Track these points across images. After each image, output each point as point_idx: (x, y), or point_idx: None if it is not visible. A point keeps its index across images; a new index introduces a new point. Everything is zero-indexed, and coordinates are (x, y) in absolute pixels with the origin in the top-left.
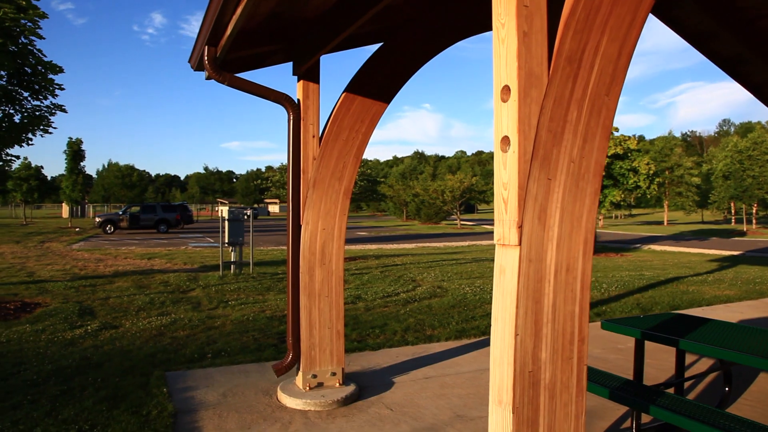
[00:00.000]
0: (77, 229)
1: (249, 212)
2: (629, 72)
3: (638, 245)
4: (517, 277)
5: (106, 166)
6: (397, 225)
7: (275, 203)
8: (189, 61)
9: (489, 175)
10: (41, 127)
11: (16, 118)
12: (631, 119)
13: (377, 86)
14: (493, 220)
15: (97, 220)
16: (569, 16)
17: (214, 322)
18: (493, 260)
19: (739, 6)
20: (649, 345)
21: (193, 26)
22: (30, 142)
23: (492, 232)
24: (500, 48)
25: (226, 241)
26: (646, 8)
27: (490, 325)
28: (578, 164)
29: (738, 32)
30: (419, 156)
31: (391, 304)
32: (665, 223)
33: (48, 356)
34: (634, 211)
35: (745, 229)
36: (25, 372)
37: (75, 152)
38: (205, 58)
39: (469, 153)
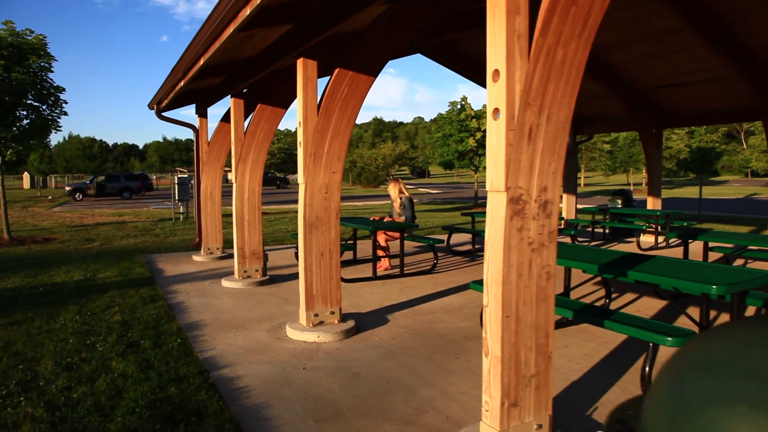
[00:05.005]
0: (49, 198)
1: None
2: None
3: None
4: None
5: (66, 138)
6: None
7: (228, 170)
8: (148, 105)
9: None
10: (53, 127)
11: (38, 123)
12: None
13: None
14: (414, 183)
15: (67, 188)
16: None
17: (166, 240)
18: None
19: (460, 49)
20: None
21: None
22: (46, 139)
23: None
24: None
25: (177, 198)
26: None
27: None
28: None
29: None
30: (378, 122)
31: (278, 233)
32: (582, 185)
33: (78, 252)
34: None
35: (632, 189)
36: (71, 256)
37: None
38: (155, 109)
39: (427, 119)
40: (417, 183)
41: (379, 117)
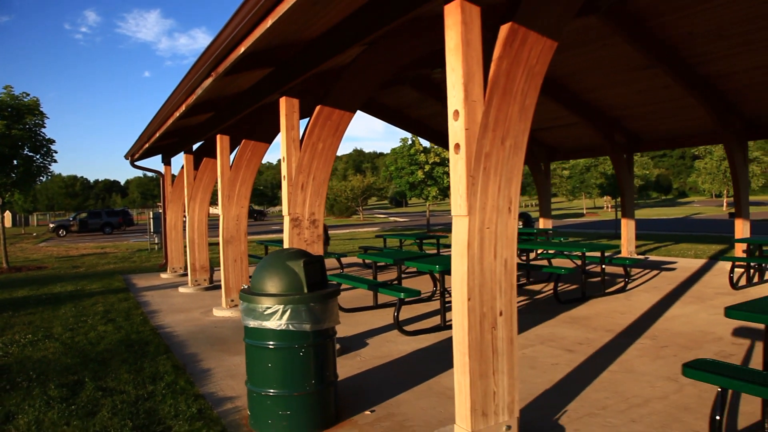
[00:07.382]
0: (34, 234)
1: None
2: None
3: None
4: None
5: (49, 177)
6: None
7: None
8: (124, 156)
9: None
10: (44, 173)
11: (33, 171)
12: None
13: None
14: (388, 212)
15: (51, 225)
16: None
17: (141, 265)
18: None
19: (405, 114)
20: None
21: (129, 24)
22: (39, 183)
23: (376, 223)
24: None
25: (152, 230)
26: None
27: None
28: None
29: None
30: (358, 153)
31: None
32: None
33: (68, 275)
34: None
35: (584, 212)
36: (62, 277)
37: None
38: (129, 159)
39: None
40: (390, 212)
41: (359, 148)
